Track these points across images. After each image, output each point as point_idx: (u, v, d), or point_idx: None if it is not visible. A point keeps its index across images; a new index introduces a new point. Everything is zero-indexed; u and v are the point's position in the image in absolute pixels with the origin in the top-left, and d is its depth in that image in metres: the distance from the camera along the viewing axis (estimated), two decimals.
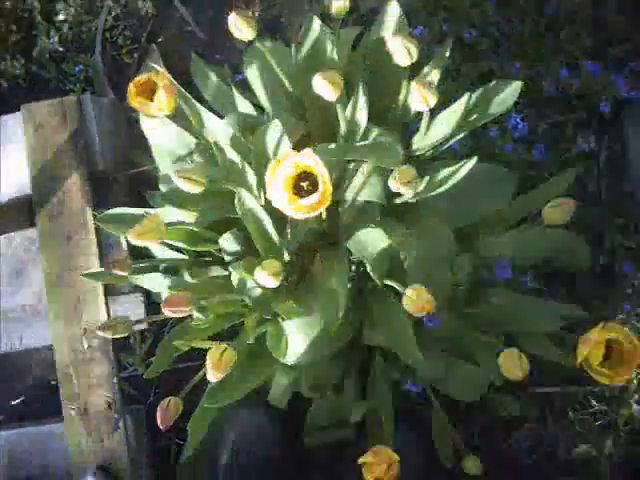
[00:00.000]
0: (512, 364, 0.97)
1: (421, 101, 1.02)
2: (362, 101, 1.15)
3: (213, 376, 1.00)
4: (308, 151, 0.97)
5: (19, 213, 1.55)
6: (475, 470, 1.21)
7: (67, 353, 1.48)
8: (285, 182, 0.98)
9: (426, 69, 1.22)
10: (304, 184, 1.01)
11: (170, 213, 1.24)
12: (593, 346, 0.94)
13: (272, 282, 1.02)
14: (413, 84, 1.01)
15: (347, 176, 1.19)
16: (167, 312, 1.03)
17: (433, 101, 1.03)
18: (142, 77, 1.11)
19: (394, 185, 1.04)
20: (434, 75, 1.20)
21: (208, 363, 1.00)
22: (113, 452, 1.46)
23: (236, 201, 1.12)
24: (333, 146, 1.18)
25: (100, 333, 1.11)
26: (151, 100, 1.10)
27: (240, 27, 1.08)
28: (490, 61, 1.52)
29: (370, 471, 1.02)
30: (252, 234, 1.15)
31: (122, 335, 1.14)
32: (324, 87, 1.02)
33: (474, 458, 1.22)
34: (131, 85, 1.10)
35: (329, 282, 1.13)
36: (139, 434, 1.52)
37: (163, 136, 1.33)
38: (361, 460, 1.03)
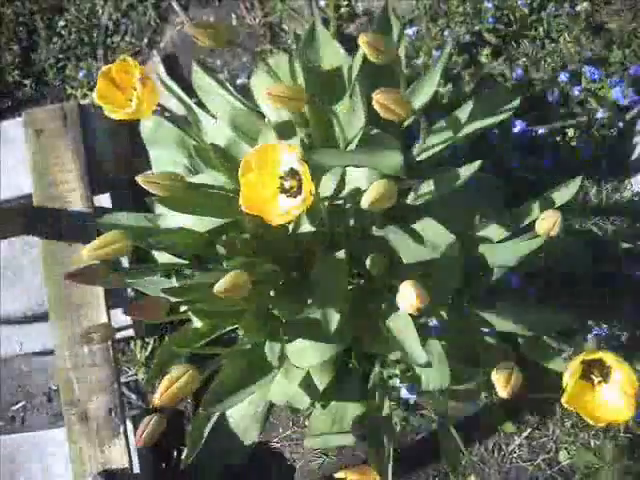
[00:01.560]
0: (503, 383, 0.96)
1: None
2: (359, 106, 1.15)
3: (155, 401, 0.95)
4: (285, 144, 0.93)
5: (20, 218, 1.55)
6: None
7: (68, 358, 1.48)
8: (269, 176, 0.94)
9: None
10: (287, 184, 0.96)
11: (170, 218, 1.24)
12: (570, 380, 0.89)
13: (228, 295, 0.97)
14: None
15: (347, 180, 1.19)
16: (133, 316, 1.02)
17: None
18: (113, 65, 0.99)
19: (364, 204, 1.00)
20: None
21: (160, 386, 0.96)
22: (114, 457, 1.45)
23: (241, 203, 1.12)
24: (332, 152, 1.18)
25: (85, 339, 1.10)
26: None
27: (202, 39, 1.04)
28: (491, 66, 1.52)
29: None
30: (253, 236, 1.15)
31: (101, 345, 1.13)
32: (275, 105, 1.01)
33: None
34: (100, 77, 0.99)
35: (328, 283, 1.13)
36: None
37: (161, 139, 1.34)
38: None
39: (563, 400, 0.90)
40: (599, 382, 0.93)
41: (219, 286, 0.96)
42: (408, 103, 0.98)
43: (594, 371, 0.94)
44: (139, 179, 1.01)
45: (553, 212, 1.02)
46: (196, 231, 1.17)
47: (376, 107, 0.98)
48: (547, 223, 1.03)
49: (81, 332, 1.08)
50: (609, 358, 0.91)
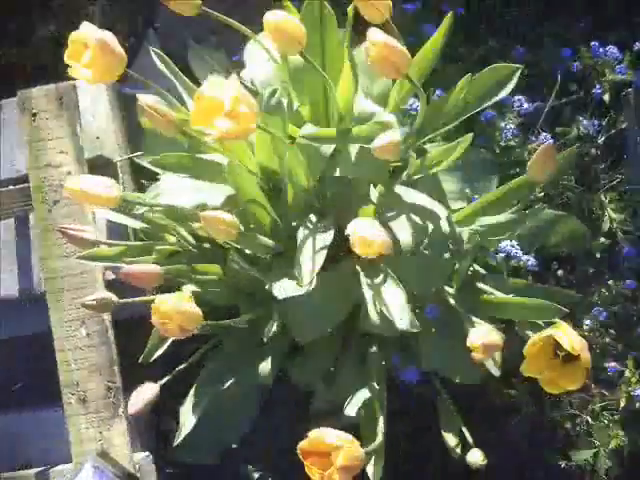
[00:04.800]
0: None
1: None
2: (351, 75, 1.14)
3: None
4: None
5: (17, 199, 1.55)
6: (478, 463, 1.20)
7: (66, 339, 1.48)
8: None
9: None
10: None
11: (164, 197, 1.24)
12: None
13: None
14: None
15: (339, 153, 1.20)
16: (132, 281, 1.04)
17: None
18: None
19: (374, 146, 1.01)
20: None
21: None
22: (113, 439, 1.46)
23: (226, 173, 1.13)
24: (330, 130, 1.18)
25: (85, 306, 1.16)
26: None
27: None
28: (489, 44, 1.51)
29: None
30: (244, 206, 1.15)
31: (99, 326, 1.17)
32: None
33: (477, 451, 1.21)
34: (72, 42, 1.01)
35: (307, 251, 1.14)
36: (140, 420, 1.52)
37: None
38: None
39: (522, 368, 0.98)
40: (564, 356, 1.00)
41: (205, 213, 0.96)
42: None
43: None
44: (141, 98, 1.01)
45: (546, 145, 0.99)
46: (185, 207, 1.18)
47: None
48: (536, 159, 1.01)
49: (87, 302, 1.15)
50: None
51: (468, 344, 1.00)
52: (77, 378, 1.47)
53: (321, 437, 0.92)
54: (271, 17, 0.97)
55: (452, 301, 1.29)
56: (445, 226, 1.15)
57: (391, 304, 1.15)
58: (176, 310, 0.96)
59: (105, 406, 1.46)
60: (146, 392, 1.07)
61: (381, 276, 1.17)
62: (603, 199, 1.44)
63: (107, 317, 1.48)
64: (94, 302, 1.17)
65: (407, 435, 1.49)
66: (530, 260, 1.31)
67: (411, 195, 1.17)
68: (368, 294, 1.18)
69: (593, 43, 1.45)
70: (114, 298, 1.17)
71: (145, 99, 1.02)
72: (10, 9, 1.72)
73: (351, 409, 1.23)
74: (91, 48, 0.98)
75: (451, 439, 1.30)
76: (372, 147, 1.01)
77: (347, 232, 1.00)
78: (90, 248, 1.21)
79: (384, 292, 1.16)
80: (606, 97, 1.44)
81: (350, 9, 1.12)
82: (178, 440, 1.32)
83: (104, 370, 1.47)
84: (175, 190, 1.22)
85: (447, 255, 1.18)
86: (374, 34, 0.93)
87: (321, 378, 1.33)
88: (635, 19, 1.52)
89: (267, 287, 1.14)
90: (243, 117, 0.93)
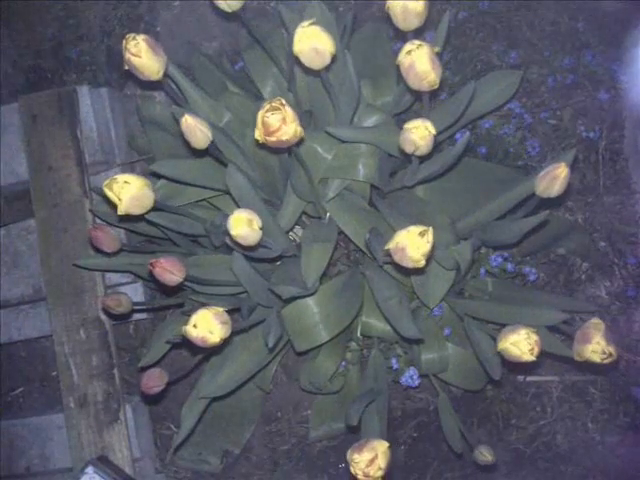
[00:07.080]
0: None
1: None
2: (352, 80, 1.15)
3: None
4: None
5: (18, 204, 1.55)
6: (489, 458, 1.20)
7: (66, 343, 1.48)
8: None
9: None
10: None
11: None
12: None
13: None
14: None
15: (338, 156, 1.20)
16: (157, 272, 1.05)
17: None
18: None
19: (410, 139, 1.03)
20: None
21: None
22: (113, 442, 1.46)
23: (227, 178, 1.14)
24: (346, 127, 1.19)
25: (105, 302, 1.20)
26: None
27: None
28: (489, 50, 1.51)
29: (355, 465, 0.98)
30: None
31: (122, 311, 1.21)
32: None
33: (486, 446, 1.21)
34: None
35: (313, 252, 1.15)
36: (139, 422, 1.52)
37: (158, 120, 1.34)
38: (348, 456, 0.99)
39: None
40: None
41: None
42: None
43: None
44: (186, 120, 1.05)
45: (556, 164, 0.99)
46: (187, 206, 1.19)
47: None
48: (546, 179, 1.01)
49: (109, 299, 1.20)
50: None
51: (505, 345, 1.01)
52: (77, 382, 1.48)
53: None
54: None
55: (454, 306, 1.30)
56: (447, 234, 1.16)
57: (397, 313, 1.15)
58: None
59: (105, 409, 1.47)
60: (155, 376, 1.12)
61: (388, 283, 1.18)
62: (603, 203, 1.45)
63: (107, 321, 1.49)
64: (114, 301, 1.21)
65: (408, 437, 1.50)
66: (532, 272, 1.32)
67: (412, 203, 1.19)
68: (373, 301, 1.18)
69: (589, 52, 1.46)
70: (129, 299, 1.21)
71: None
72: (11, 13, 1.72)
73: (354, 414, 1.23)
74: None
75: (452, 439, 1.30)
76: (405, 138, 1.03)
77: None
78: (116, 249, 1.23)
79: (390, 300, 1.17)
80: (606, 101, 1.45)
81: None
82: (178, 441, 1.32)
83: (104, 374, 1.47)
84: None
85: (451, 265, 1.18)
86: None
87: (327, 381, 1.33)
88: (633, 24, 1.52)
89: (270, 289, 1.14)
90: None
